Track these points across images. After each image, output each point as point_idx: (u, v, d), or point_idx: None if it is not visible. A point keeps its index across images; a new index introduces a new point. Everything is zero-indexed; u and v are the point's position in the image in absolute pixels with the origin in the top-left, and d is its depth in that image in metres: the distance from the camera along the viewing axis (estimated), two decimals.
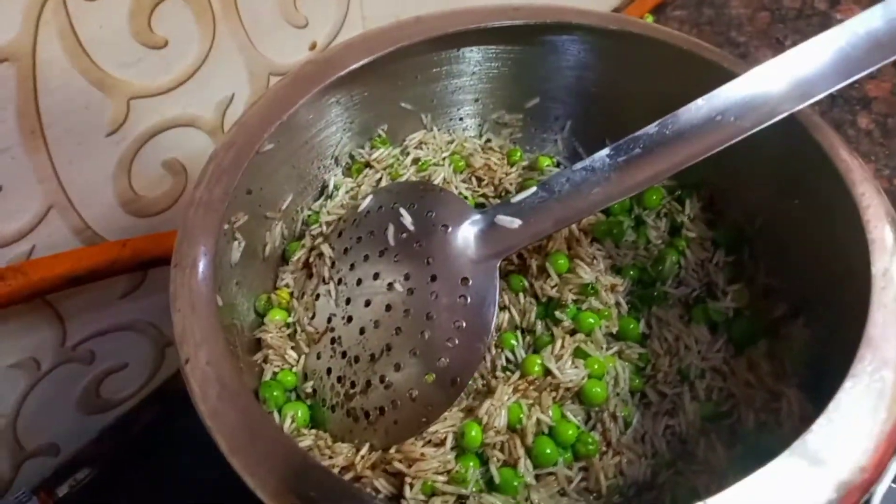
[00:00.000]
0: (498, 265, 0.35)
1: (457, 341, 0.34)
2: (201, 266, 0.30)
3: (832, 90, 0.32)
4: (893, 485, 0.32)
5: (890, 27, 0.32)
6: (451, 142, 0.44)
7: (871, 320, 0.27)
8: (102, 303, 0.48)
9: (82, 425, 0.53)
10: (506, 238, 0.35)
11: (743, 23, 0.81)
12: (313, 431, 0.36)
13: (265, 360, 0.37)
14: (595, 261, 0.40)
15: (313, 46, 0.51)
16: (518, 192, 0.37)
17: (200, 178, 0.33)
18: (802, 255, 0.37)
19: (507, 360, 0.38)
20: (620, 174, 0.34)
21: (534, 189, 0.36)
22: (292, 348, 0.38)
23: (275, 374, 0.37)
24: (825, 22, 0.82)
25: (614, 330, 0.39)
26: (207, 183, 0.32)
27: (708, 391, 0.36)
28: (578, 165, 0.35)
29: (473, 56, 0.42)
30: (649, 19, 0.81)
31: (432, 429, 0.34)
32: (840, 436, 0.24)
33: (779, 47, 0.80)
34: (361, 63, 0.37)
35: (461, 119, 0.45)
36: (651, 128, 0.34)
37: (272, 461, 0.25)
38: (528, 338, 0.39)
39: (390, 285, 0.36)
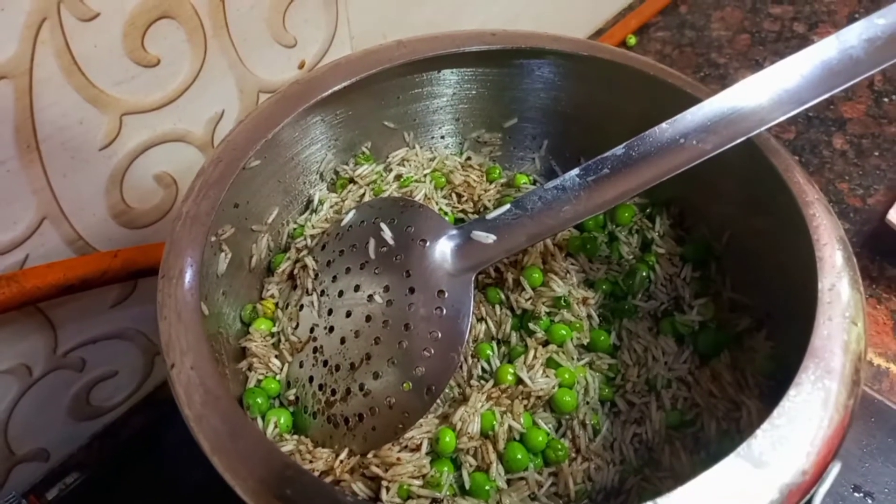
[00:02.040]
0: (473, 278, 0.37)
1: (433, 351, 0.35)
2: (187, 277, 0.31)
3: (788, 116, 0.34)
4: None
5: (842, 56, 0.34)
6: (433, 159, 0.46)
7: (817, 333, 0.29)
8: (93, 311, 0.49)
9: (73, 431, 0.54)
10: (481, 252, 0.37)
11: (723, 45, 0.83)
12: (295, 437, 0.37)
13: (250, 367, 0.39)
14: (568, 275, 0.42)
15: (302, 65, 0.53)
16: (496, 208, 0.39)
17: (188, 193, 0.34)
18: (765, 271, 0.38)
19: (483, 369, 0.40)
20: (589, 193, 0.36)
21: (508, 207, 0.37)
22: (276, 357, 0.39)
23: (259, 381, 0.39)
24: (803, 44, 0.84)
25: (585, 341, 0.40)
26: (195, 197, 0.34)
27: (674, 400, 0.38)
28: (550, 184, 0.37)
29: (453, 78, 0.44)
30: (632, 41, 0.83)
31: (408, 435, 0.35)
32: (783, 441, 0.26)
33: (758, 69, 0.82)
34: (345, 84, 0.38)
35: (442, 137, 0.47)
36: (618, 149, 0.36)
37: (252, 462, 0.26)
38: (503, 348, 0.40)
39: (370, 297, 0.38)
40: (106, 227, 0.47)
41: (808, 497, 0.25)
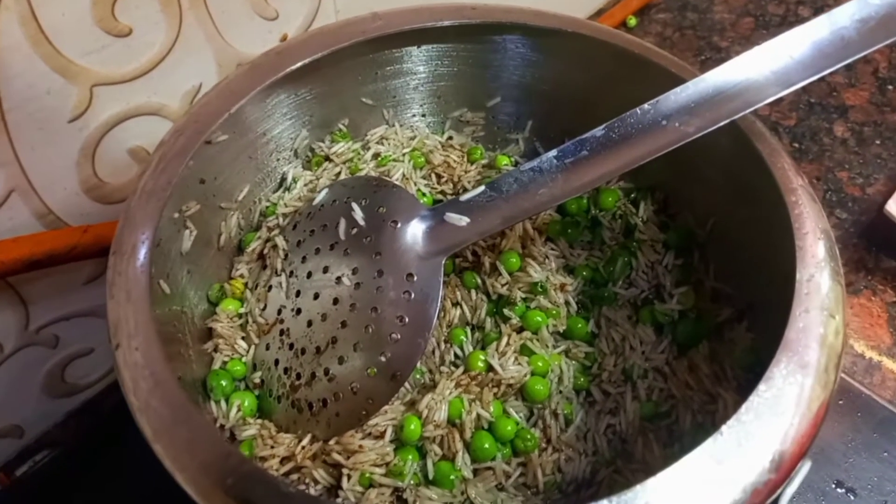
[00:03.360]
0: (443, 262, 0.35)
1: (399, 336, 0.34)
2: (140, 254, 0.30)
3: (774, 97, 0.33)
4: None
5: (833, 37, 0.32)
6: (413, 138, 0.45)
7: (792, 325, 0.27)
8: (67, 288, 0.48)
9: (48, 408, 0.53)
10: (453, 235, 0.36)
11: (726, 28, 0.81)
12: (259, 421, 0.36)
13: (216, 349, 0.38)
14: (547, 260, 0.41)
15: (284, 38, 0.51)
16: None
17: (146, 166, 0.33)
18: (748, 260, 0.37)
19: (456, 355, 0.39)
20: (567, 175, 0.35)
21: (482, 188, 0.36)
22: (243, 338, 0.38)
23: (224, 363, 0.38)
24: None
25: (562, 328, 0.39)
26: (152, 171, 0.33)
27: (649, 391, 0.37)
28: (526, 166, 0.35)
29: (433, 53, 0.42)
30: (632, 22, 0.81)
31: (373, 421, 0.34)
32: (749, 437, 0.25)
33: None
34: (316, 57, 0.37)
35: (423, 115, 0.46)
36: (598, 131, 0.35)
37: (195, 450, 0.25)
38: (477, 334, 0.39)
39: (339, 279, 0.36)
40: (78, 201, 0.46)
41: (774, 496, 0.24)
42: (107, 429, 0.54)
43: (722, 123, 0.33)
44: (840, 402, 0.47)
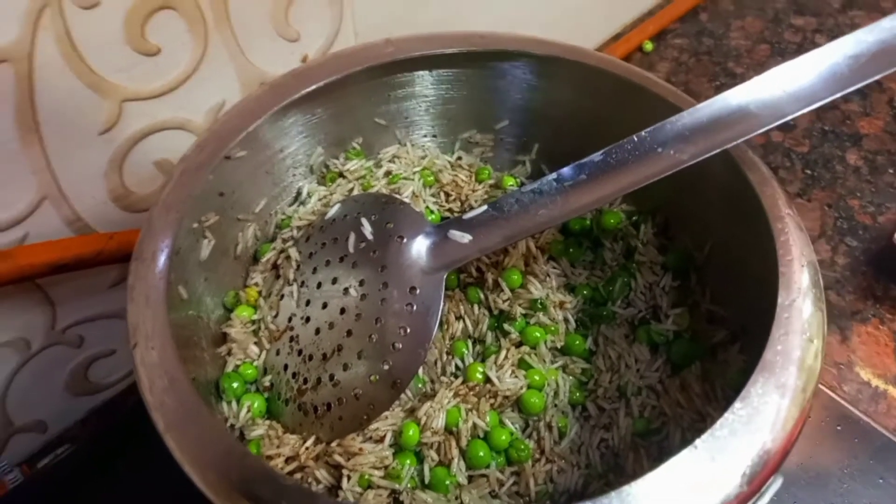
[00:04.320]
0: (445, 276, 0.37)
1: (400, 346, 0.36)
2: (160, 261, 0.32)
3: (767, 128, 0.34)
4: None
5: (826, 72, 0.34)
6: (424, 157, 0.47)
7: (770, 347, 0.29)
8: (93, 291, 0.51)
9: (70, 405, 0.55)
10: (455, 251, 0.37)
11: (741, 54, 0.82)
12: (267, 422, 0.38)
13: (229, 352, 0.40)
14: (548, 278, 0.42)
15: (305, 59, 0.54)
16: None
17: (168, 179, 0.35)
18: (742, 284, 0.38)
19: (457, 366, 0.40)
20: (566, 197, 0.36)
21: (485, 207, 0.38)
22: (255, 343, 0.40)
23: (237, 366, 0.40)
24: None
25: (559, 345, 0.40)
26: (175, 184, 0.35)
27: (642, 408, 0.38)
28: (528, 187, 0.37)
29: (443, 78, 0.44)
30: (648, 46, 0.83)
31: (374, 426, 0.36)
32: (721, 452, 0.26)
33: None
34: (331, 79, 0.39)
35: (434, 136, 0.48)
36: (596, 156, 0.36)
37: (203, 444, 0.27)
38: (478, 347, 0.41)
39: (346, 290, 0.38)
40: (106, 209, 0.48)
41: None
42: (125, 427, 0.56)
43: (715, 152, 0.34)
44: (838, 427, 0.48)
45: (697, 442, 0.26)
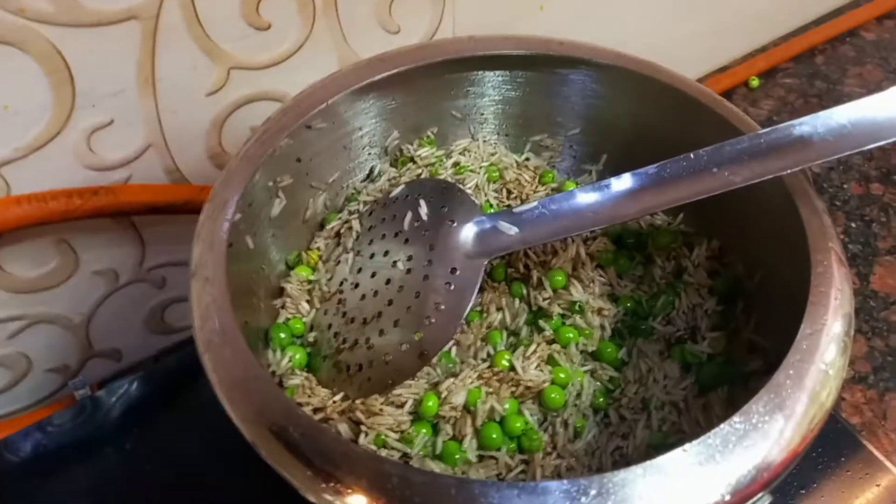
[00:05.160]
0: (485, 263, 0.39)
1: (434, 320, 0.38)
2: (230, 209, 0.36)
3: (823, 161, 0.34)
4: None
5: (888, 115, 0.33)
6: (493, 154, 0.48)
7: (783, 370, 0.29)
8: (181, 239, 0.55)
9: (145, 341, 0.61)
10: (499, 241, 0.39)
11: None
12: (305, 373, 0.41)
13: (283, 306, 0.43)
14: (592, 284, 0.43)
15: None
16: None
17: (251, 136, 0.39)
18: (786, 316, 0.38)
19: (489, 354, 0.42)
20: (615, 204, 0.37)
21: (535, 203, 0.39)
22: (307, 301, 0.43)
23: (287, 319, 0.43)
24: None
25: (591, 349, 0.41)
26: (255, 141, 0.38)
27: (661, 422, 0.38)
28: (579, 190, 0.38)
29: (519, 79, 0.46)
30: (755, 83, 0.81)
31: (397, 392, 0.38)
32: (709, 461, 0.26)
33: None
34: (410, 67, 0.42)
35: (507, 135, 0.50)
36: (651, 168, 0.37)
37: (247, 387, 0.30)
38: (512, 339, 0.42)
39: (394, 263, 0.41)
40: (201, 165, 0.53)
41: None
42: (189, 370, 0.61)
43: (768, 178, 0.34)
44: (866, 473, 0.46)
45: (688, 446, 0.27)
